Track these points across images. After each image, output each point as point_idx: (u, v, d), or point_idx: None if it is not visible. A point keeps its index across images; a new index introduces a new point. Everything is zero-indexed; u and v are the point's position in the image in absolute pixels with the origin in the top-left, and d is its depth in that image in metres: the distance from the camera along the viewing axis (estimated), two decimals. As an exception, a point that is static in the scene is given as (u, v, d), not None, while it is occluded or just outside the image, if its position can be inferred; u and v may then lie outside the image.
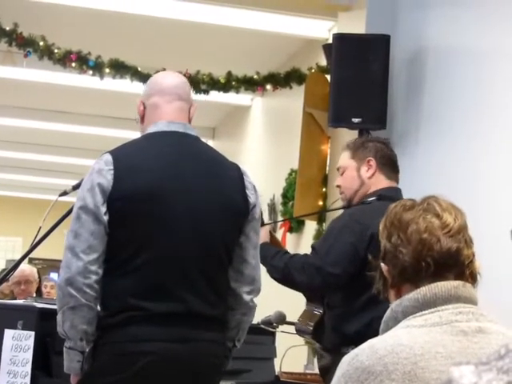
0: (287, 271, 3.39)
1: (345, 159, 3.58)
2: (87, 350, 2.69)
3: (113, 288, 2.69)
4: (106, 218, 2.67)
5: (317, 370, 5.61)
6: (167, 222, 2.72)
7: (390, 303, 1.84)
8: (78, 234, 2.67)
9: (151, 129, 2.87)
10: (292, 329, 4.18)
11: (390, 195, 3.39)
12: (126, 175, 2.71)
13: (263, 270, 3.33)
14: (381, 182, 3.50)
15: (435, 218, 1.77)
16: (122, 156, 2.76)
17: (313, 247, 3.46)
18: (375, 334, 3.04)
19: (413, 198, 1.89)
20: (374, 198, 3.41)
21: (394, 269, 1.78)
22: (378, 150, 3.54)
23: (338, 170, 3.63)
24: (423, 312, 1.73)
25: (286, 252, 3.52)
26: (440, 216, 1.77)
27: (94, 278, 2.65)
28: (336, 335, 3.37)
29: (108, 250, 2.69)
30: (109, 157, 2.74)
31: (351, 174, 3.54)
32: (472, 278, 1.78)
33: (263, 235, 3.57)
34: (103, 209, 2.67)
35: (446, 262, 1.75)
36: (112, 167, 2.70)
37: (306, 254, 3.43)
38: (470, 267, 1.78)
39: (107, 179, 2.69)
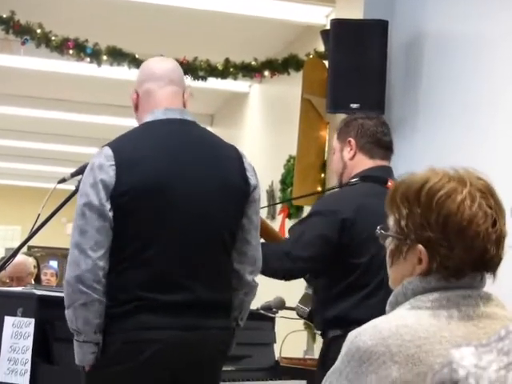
0: (265, 263, 3.35)
1: (334, 140, 3.50)
2: (101, 341, 2.69)
3: (120, 281, 2.69)
4: (110, 214, 2.67)
5: (316, 355, 5.62)
6: (171, 213, 2.72)
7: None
8: (83, 230, 2.66)
9: (148, 118, 2.86)
10: (292, 314, 4.18)
11: (376, 175, 3.31)
12: (128, 169, 2.70)
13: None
14: (363, 162, 3.37)
15: (494, 224, 1.69)
16: (122, 149, 2.75)
17: (289, 231, 3.43)
18: (349, 320, 3.05)
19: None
20: (356, 180, 3.31)
21: (441, 265, 1.70)
22: (359, 129, 3.38)
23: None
24: (432, 293, 1.70)
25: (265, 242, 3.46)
26: (496, 220, 1.70)
27: (101, 273, 2.66)
28: (319, 319, 3.37)
29: (114, 244, 2.68)
30: (108, 151, 2.73)
31: (336, 155, 3.45)
32: (493, 274, 1.76)
33: None
34: (107, 205, 2.66)
35: (492, 268, 1.73)
36: (113, 162, 2.69)
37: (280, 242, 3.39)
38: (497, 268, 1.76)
39: (109, 175, 2.68)
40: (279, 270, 3.36)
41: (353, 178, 3.36)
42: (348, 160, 3.40)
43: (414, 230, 1.73)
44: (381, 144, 3.41)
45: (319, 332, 3.47)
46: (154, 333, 2.65)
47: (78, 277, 2.64)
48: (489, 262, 1.71)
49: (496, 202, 1.72)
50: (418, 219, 1.72)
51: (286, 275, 3.43)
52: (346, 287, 3.21)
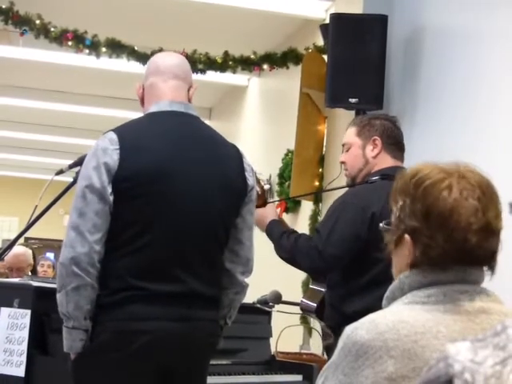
0: (293, 254, 3.38)
1: (351, 136, 3.52)
2: (90, 328, 2.69)
3: (113, 268, 2.68)
4: (111, 198, 2.66)
5: (312, 350, 5.63)
6: (170, 203, 2.72)
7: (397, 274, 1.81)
8: (82, 212, 2.65)
9: (153, 108, 2.87)
10: (288, 308, 4.19)
11: (394, 174, 3.37)
12: (131, 155, 2.70)
13: (260, 249, 3.34)
14: (386, 161, 3.45)
15: (481, 215, 1.68)
16: (127, 135, 2.75)
17: (316, 229, 3.45)
18: None
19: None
20: (377, 178, 3.36)
21: (424, 255, 1.70)
22: (385, 129, 3.47)
23: (343, 145, 3.56)
24: (428, 288, 1.70)
25: (293, 232, 3.49)
26: (484, 212, 1.68)
27: (97, 257, 2.65)
28: (336, 314, 3.36)
29: (110, 230, 2.68)
30: (113, 135, 2.73)
31: (356, 152, 3.49)
32: (491, 269, 1.74)
33: (271, 212, 3.57)
34: (109, 189, 2.66)
35: (480, 261, 1.71)
36: (118, 146, 2.69)
37: (310, 237, 3.42)
38: (494, 262, 1.74)
39: (113, 159, 2.68)
40: (307, 267, 3.43)
41: (372, 175, 3.41)
42: (371, 158, 3.46)
43: (404, 220, 1.74)
44: (400, 146, 3.53)
45: (331, 325, 3.44)
46: (144, 323, 2.65)
47: (73, 258, 2.63)
48: (471, 254, 1.69)
49: (485, 195, 1.70)
50: (407, 209, 1.74)
51: (317, 272, 3.46)
52: (370, 281, 3.22)
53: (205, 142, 2.85)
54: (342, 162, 3.57)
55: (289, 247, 3.39)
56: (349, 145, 3.53)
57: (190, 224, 2.74)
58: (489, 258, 1.72)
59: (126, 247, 2.69)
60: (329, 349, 3.57)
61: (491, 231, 1.69)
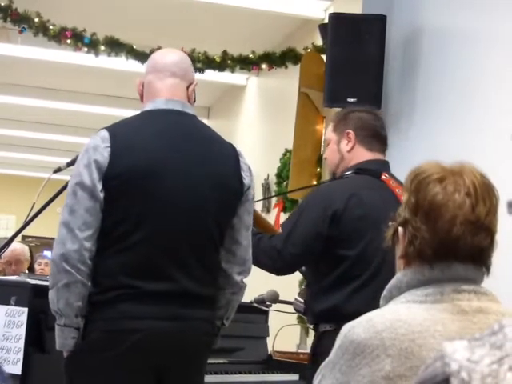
0: (255, 255, 3.35)
1: (329, 131, 3.49)
2: (82, 326, 2.69)
3: (105, 265, 2.68)
4: (101, 195, 2.66)
5: (309, 350, 5.63)
6: (161, 201, 2.71)
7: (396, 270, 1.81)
8: (73, 209, 2.66)
9: (149, 106, 2.86)
10: (285, 308, 4.18)
11: (371, 168, 3.32)
12: (123, 153, 2.69)
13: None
14: (361, 155, 3.37)
15: (469, 209, 1.68)
16: (119, 133, 2.75)
17: (281, 226, 3.43)
18: (341, 313, 3.03)
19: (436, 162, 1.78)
20: (350, 172, 3.32)
21: (411, 245, 1.72)
22: (360, 122, 3.39)
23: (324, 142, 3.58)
24: (426, 286, 1.70)
25: (258, 233, 3.45)
26: (474, 207, 1.68)
27: (87, 254, 2.65)
28: (311, 312, 3.36)
29: (101, 228, 2.68)
30: (105, 133, 2.73)
31: (332, 147, 3.44)
32: (486, 268, 1.74)
33: None
34: (99, 186, 2.66)
35: (467, 256, 1.70)
36: (108, 144, 2.69)
37: (271, 236, 3.37)
38: (488, 261, 1.73)
39: (104, 156, 2.67)
40: (270, 267, 3.38)
41: (348, 169, 3.36)
42: (346, 152, 3.39)
43: (400, 213, 1.77)
44: (379, 138, 3.42)
45: (311, 326, 3.46)
46: (135, 322, 2.64)
47: (63, 255, 2.63)
48: (455, 246, 1.68)
49: (477, 191, 1.70)
50: (404, 203, 1.76)
51: (277, 273, 3.44)
52: (336, 279, 3.20)
53: (200, 141, 2.83)
54: (325, 159, 3.56)
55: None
56: (328, 140, 3.49)
57: (181, 223, 2.73)
58: (477, 255, 1.70)
59: (117, 245, 2.68)
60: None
61: (479, 226, 1.69)
